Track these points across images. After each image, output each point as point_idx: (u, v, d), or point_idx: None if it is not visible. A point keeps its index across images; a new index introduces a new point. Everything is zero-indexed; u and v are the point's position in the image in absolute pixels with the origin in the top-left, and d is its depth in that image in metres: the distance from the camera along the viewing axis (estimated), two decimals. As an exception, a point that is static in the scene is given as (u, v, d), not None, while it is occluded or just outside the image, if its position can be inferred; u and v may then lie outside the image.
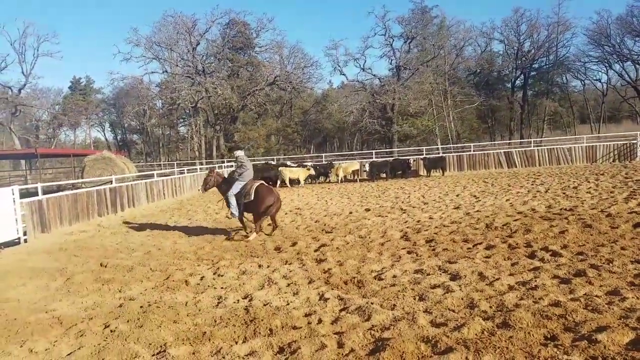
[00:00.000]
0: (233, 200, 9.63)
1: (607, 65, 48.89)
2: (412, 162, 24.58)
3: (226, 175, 11.32)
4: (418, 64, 40.28)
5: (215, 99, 39.98)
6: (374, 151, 33.15)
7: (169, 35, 41.73)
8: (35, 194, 11.63)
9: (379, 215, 11.71)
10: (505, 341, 4.07)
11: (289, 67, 46.64)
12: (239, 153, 10.02)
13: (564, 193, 13.28)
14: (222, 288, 6.24)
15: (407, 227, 9.78)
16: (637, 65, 46.97)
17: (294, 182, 23.20)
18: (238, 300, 5.64)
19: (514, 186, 15.97)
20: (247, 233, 10.01)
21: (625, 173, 17.46)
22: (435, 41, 41.29)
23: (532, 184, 16.13)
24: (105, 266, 7.65)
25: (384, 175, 23.81)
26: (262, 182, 10.39)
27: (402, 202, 13.98)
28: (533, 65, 48.60)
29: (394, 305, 5.16)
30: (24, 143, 53.62)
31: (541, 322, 4.40)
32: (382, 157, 30.16)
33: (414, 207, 12.74)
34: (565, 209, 10.49)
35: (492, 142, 40.31)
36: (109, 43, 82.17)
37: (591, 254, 6.60)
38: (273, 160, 31.33)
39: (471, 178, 20.56)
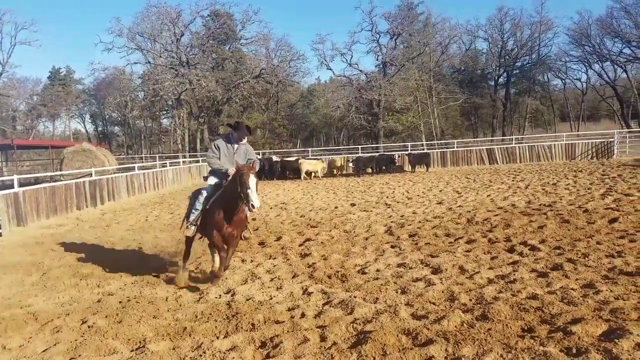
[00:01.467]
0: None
1: (587, 65, 49.85)
2: (397, 157, 24.74)
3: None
4: (404, 60, 40.41)
5: (199, 91, 39.53)
6: (360, 146, 33.26)
7: (152, 26, 41.04)
8: (11, 186, 11.37)
9: (364, 210, 11.77)
10: (484, 333, 4.14)
11: (275, 60, 46.35)
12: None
13: (543, 189, 13.52)
14: (203, 283, 6.20)
15: (392, 222, 9.85)
16: (616, 66, 47.97)
17: (310, 174, 23.27)
18: (220, 295, 5.61)
19: (494, 182, 16.20)
20: None
21: (603, 170, 17.85)
22: (420, 38, 41.45)
23: (513, 180, 16.39)
24: (84, 261, 7.53)
25: (369, 170, 23.92)
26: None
27: (387, 197, 14.07)
28: (516, 64, 49.21)
29: (377, 298, 5.21)
30: (0, 134, 52.31)
31: (519, 315, 4.50)
32: (368, 152, 30.29)
33: (398, 202, 12.84)
34: (544, 205, 10.68)
35: (475, 139, 40.81)
36: (91, 32, 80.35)
37: (568, 248, 6.74)
38: (258, 154, 31.19)
39: (454, 174, 20.78)
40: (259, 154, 30.67)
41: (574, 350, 3.71)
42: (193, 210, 5.99)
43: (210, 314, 4.99)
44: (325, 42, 42.14)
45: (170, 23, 40.42)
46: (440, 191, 14.74)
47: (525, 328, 4.26)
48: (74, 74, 66.23)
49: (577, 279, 5.39)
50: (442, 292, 5.27)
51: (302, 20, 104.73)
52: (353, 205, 12.90)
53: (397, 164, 24.38)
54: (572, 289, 5.11)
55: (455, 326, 4.31)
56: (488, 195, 12.96)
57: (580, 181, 14.93)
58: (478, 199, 12.47)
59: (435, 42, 44.21)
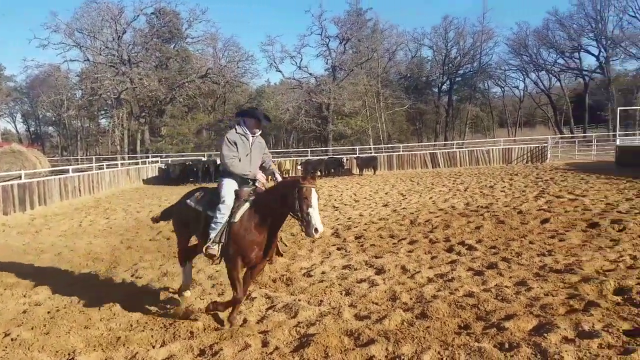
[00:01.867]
0: None
1: (524, 73, 52.77)
2: (345, 161, 25.03)
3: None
4: (353, 65, 40.99)
5: (140, 90, 38.04)
6: (309, 149, 33.34)
7: (92, 22, 39.02)
8: None
9: (311, 213, 11.73)
10: (423, 331, 4.23)
11: (222, 60, 45.46)
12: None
13: (481, 192, 14.13)
14: (139, 291, 5.92)
15: (339, 224, 9.92)
16: (551, 75, 51.17)
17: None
18: (157, 304, 5.38)
19: (436, 185, 16.76)
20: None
21: (537, 174, 18.93)
22: (369, 44, 42.23)
23: (453, 183, 17.03)
24: (9, 269, 6.98)
25: (318, 173, 24.05)
26: None
27: (335, 200, 14.18)
28: (458, 72, 51.22)
29: (321, 301, 5.21)
30: None
31: (456, 312, 4.64)
32: (317, 156, 30.42)
33: (345, 205, 12.98)
34: (482, 207, 11.16)
35: (420, 144, 42.06)
36: (23, 27, 75.39)
37: (503, 247, 7.07)
38: (204, 156, 30.43)
39: (400, 177, 21.32)
40: (203, 157, 29.91)
41: (507, 346, 3.87)
42: (213, 224, 4.39)
43: (147, 322, 4.78)
44: (275, 43, 41.93)
45: (111, 20, 38.66)
46: (386, 194, 15.05)
47: (462, 325, 4.40)
48: (4, 71, 61.74)
49: (510, 277, 5.65)
50: (385, 292, 5.36)
51: (251, 21, 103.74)
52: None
53: (345, 167, 24.68)
54: (506, 286, 5.34)
55: (396, 325, 4.38)
56: (430, 198, 13.37)
57: (515, 184, 15.74)
58: (421, 201, 12.84)
59: (383, 49, 45.19)
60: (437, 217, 10.05)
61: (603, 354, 3.61)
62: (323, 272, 6.33)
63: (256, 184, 4.75)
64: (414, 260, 6.62)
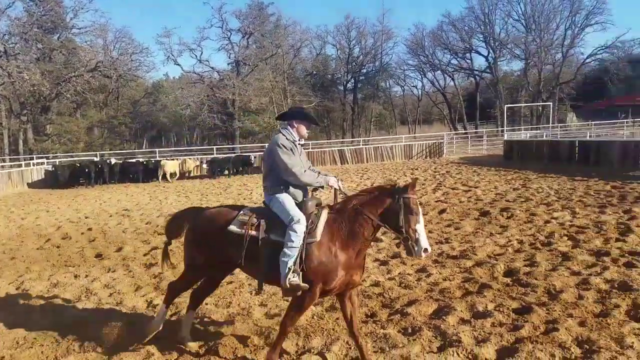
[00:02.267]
0: None
1: (422, 73, 56.24)
2: (253, 158, 24.67)
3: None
4: (257, 60, 40.46)
5: (20, 85, 34.04)
6: (215, 147, 32.40)
7: (-42, 9, 34.18)
8: None
9: (219, 213, 11.41)
10: (332, 323, 4.31)
11: (114, 52, 42.43)
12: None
13: (386, 185, 14.77)
14: (26, 305, 5.30)
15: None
16: (445, 75, 55.08)
17: (173, 176, 21.72)
18: (47, 317, 4.85)
19: (345, 180, 17.23)
20: None
21: (434, 168, 20.28)
22: (273, 39, 42.05)
23: (361, 178, 17.64)
24: None
25: (226, 172, 23.44)
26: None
27: (244, 199, 13.93)
28: (362, 70, 53.07)
29: (230, 302, 5.08)
30: None
31: (364, 302, 4.80)
32: (224, 154, 29.64)
33: (255, 204, 12.76)
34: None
35: (328, 141, 43.00)
36: None
37: (406, 237, 7.44)
38: (96, 156, 28.13)
39: (308, 173, 21.54)
40: (95, 157, 27.67)
41: (410, 330, 4.08)
42: (287, 250, 3.45)
43: (35, 338, 4.30)
44: (172, 35, 40.07)
45: (-17, 8, 34.15)
46: (295, 190, 15.11)
47: (369, 313, 4.56)
48: None
49: (412, 265, 5.97)
50: None
51: (145, 12, 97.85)
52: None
53: (254, 165, 24.34)
54: (408, 274, 5.64)
55: (307, 319, 4.41)
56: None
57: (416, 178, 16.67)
58: (330, 197, 13.05)
59: (288, 45, 45.26)
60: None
61: (496, 332, 3.96)
62: (232, 273, 6.16)
63: (314, 194, 4.02)
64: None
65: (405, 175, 17.64)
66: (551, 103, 42.31)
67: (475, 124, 52.22)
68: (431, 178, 16.29)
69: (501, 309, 4.41)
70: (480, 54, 53.11)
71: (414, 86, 61.07)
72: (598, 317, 4.18)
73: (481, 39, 51.95)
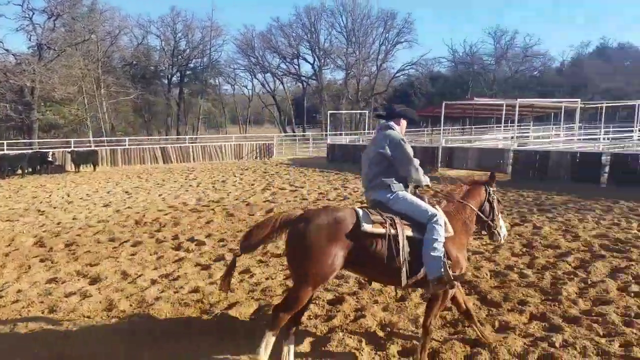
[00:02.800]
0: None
1: (252, 74, 56.82)
2: (54, 155, 21.26)
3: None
4: (65, 45, 35.35)
5: None
6: (5, 142, 27.14)
7: None
8: None
9: (7, 220, 9.54)
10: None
11: None
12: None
13: (213, 187, 14.37)
14: None
15: (44, 232, 8.30)
16: (275, 78, 56.66)
17: None
18: None
19: (167, 181, 16.19)
20: None
21: (264, 169, 20.53)
22: (86, 24, 37.39)
23: (186, 179, 16.77)
24: None
25: (19, 171, 19.77)
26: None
27: (41, 203, 11.88)
28: (189, 65, 51.01)
29: (15, 324, 4.25)
30: None
31: (179, 310, 4.55)
32: (18, 149, 24.97)
33: (55, 208, 11.02)
34: (213, 201, 11.33)
35: (149, 137, 40.07)
36: None
37: (231, 239, 7.28)
38: None
39: (126, 174, 19.61)
40: None
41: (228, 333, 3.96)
42: (436, 245, 3.36)
43: None
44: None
45: None
46: (109, 193, 13.56)
47: (185, 322, 4.30)
48: None
49: (236, 266, 5.78)
50: (100, 302, 4.80)
51: None
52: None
53: (55, 163, 21.06)
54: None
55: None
56: (160, 195, 12.75)
57: (245, 178, 16.65)
58: (149, 199, 12.08)
59: (104, 31, 40.82)
60: (167, 214, 9.61)
61: (311, 324, 4.10)
62: (19, 291, 5.16)
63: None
64: (137, 264, 6.08)
65: (235, 176, 17.44)
66: (367, 111, 47.08)
67: (303, 127, 55.07)
68: (261, 178, 16.43)
69: (317, 302, 4.60)
70: (307, 60, 56.32)
71: (244, 86, 61.56)
72: (399, 301, 4.66)
73: (308, 46, 55.15)
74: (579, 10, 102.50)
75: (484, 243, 6.68)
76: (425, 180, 3.69)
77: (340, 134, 38.40)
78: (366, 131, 41.11)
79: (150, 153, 24.76)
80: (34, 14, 34.76)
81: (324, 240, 3.22)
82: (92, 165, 21.60)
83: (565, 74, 66.71)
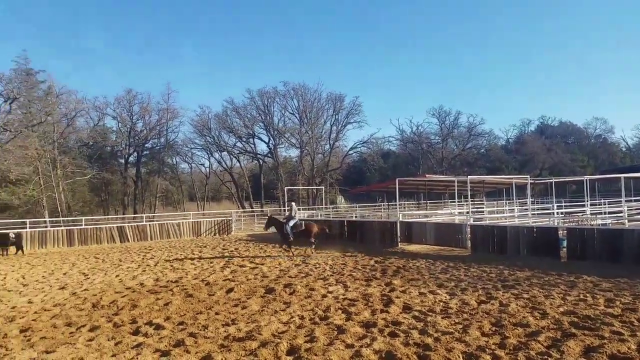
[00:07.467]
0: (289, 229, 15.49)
1: (209, 152, 57.57)
2: (13, 235, 20.30)
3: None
4: (22, 126, 35.18)
5: None
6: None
7: None
8: None
9: (-44, 306, 9.05)
10: None
11: None
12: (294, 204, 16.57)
13: (171, 266, 14.12)
14: None
15: (-3, 317, 7.94)
16: (232, 156, 57.56)
17: None
18: None
19: (125, 261, 15.78)
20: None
21: (223, 245, 20.36)
22: (42, 106, 37.65)
23: (143, 258, 16.41)
24: None
25: None
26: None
27: (-6, 286, 11.35)
28: (146, 145, 51.23)
29: None
30: None
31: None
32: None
33: (9, 291, 10.58)
34: (172, 281, 11.15)
35: (106, 216, 39.04)
36: None
37: (190, 322, 7.17)
38: None
39: (82, 254, 18.93)
40: None
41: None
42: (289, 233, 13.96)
43: None
44: None
45: None
46: (65, 274, 13.08)
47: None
48: None
49: (197, 352, 5.71)
50: None
51: None
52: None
53: (14, 243, 20.03)
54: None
55: None
56: (117, 276, 12.44)
57: (204, 255, 16.47)
58: (106, 280, 11.76)
59: (60, 113, 41.04)
60: (124, 296, 9.40)
61: None
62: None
63: None
64: (95, 350, 5.92)
65: (193, 254, 17.22)
66: (323, 187, 48.22)
67: (261, 203, 55.31)
68: (219, 256, 16.31)
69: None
70: (262, 140, 58.08)
71: (201, 164, 61.98)
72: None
73: (262, 126, 57.23)
74: (518, 91, 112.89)
75: (453, 323, 6.64)
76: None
77: (299, 209, 38.83)
78: (323, 206, 41.88)
79: (107, 232, 24.12)
80: (-10, 96, 34.71)
81: None
82: (16, 249, 20.16)
83: (512, 150, 71.75)
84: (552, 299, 8.04)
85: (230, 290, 9.67)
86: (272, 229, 16.91)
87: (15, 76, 36.27)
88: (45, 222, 29.25)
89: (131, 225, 25.59)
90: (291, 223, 15.58)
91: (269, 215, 17.75)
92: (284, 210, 36.34)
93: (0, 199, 34.32)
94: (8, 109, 35.40)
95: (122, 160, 51.19)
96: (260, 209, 45.11)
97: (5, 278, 12.69)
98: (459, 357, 5.27)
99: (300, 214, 32.09)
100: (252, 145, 58.38)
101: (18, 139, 34.25)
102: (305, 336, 6.26)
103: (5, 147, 32.87)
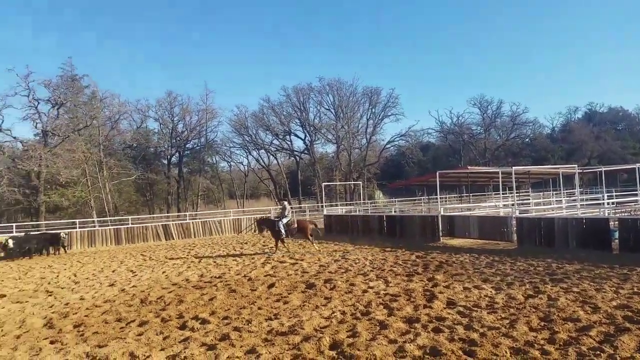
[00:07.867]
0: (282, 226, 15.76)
1: (247, 151, 58.51)
2: (64, 235, 21.49)
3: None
4: (69, 131, 36.92)
5: None
6: (14, 224, 27.42)
7: None
8: None
9: (17, 302, 9.67)
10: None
11: None
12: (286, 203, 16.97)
13: (214, 262, 14.45)
14: None
15: (53, 313, 8.41)
16: (269, 154, 58.28)
17: None
18: None
19: (171, 258, 16.29)
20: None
21: (263, 242, 20.64)
22: (87, 110, 39.37)
23: (188, 255, 16.89)
24: None
25: (44, 251, 20.10)
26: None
27: (49, 284, 12.02)
28: (187, 145, 52.61)
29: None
30: None
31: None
32: (27, 231, 25.16)
33: (62, 288, 11.13)
34: (215, 277, 11.40)
35: (151, 215, 40.45)
36: None
37: (235, 317, 7.31)
38: None
39: (129, 252, 19.73)
40: None
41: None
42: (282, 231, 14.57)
43: None
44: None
45: None
46: (114, 272, 13.65)
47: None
48: None
49: (242, 346, 5.81)
50: None
51: None
52: (2, 296, 10.43)
53: (64, 244, 21.19)
54: (237, 357, 5.46)
55: None
56: (163, 272, 12.84)
57: (245, 252, 16.75)
58: (153, 276, 12.17)
59: (104, 117, 42.77)
60: (171, 292, 9.69)
61: None
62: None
63: None
64: (144, 344, 6.12)
65: (235, 250, 17.55)
66: (361, 182, 47.92)
67: (299, 199, 55.66)
68: (260, 252, 16.54)
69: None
70: (298, 136, 58.38)
71: (240, 163, 63.07)
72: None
73: (298, 123, 57.48)
74: (564, 77, 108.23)
75: (499, 318, 6.44)
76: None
77: (336, 205, 38.83)
78: (361, 201, 41.62)
79: (153, 231, 25.02)
80: (39, 103, 36.65)
81: None
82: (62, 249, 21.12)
83: (558, 139, 68.69)
84: (604, 292, 7.66)
85: (272, 285, 9.77)
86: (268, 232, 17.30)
87: (61, 82, 38.09)
88: (93, 222, 30.64)
89: (175, 224, 26.43)
90: (284, 220, 15.93)
91: (257, 218, 18.11)
92: (321, 205, 36.47)
93: (51, 200, 36.22)
94: (56, 114, 37.25)
95: (165, 161, 52.82)
96: (298, 205, 45.41)
97: (58, 276, 13.37)
98: (506, 352, 5.08)
99: (338, 209, 32.16)
100: (289, 143, 58.90)
101: (66, 143, 36.04)
102: (347, 331, 6.22)
103: (54, 151, 34.66)
